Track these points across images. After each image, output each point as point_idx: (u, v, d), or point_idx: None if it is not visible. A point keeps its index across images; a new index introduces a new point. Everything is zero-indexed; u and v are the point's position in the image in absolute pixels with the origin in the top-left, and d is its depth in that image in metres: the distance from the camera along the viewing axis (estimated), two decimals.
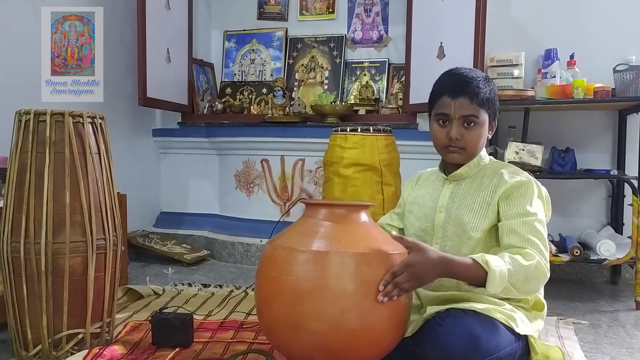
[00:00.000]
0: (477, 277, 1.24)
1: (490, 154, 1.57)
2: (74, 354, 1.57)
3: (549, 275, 1.32)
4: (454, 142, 1.43)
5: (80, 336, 1.59)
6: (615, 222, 2.72)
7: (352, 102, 3.29)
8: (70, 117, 1.58)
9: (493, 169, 1.48)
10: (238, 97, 3.59)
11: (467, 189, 1.47)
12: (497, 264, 1.23)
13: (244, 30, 3.65)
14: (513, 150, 2.41)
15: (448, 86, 1.44)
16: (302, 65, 3.51)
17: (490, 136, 1.50)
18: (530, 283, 1.29)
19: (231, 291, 2.40)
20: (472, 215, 1.43)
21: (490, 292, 1.25)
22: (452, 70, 1.50)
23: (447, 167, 1.54)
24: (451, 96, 1.42)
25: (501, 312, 1.33)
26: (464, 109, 1.41)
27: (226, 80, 3.67)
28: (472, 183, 1.48)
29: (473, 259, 1.25)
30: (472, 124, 1.42)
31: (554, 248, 2.43)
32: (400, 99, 3.13)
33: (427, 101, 1.52)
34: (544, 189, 1.47)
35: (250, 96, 3.57)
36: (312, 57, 3.49)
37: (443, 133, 1.45)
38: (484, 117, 1.43)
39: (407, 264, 1.22)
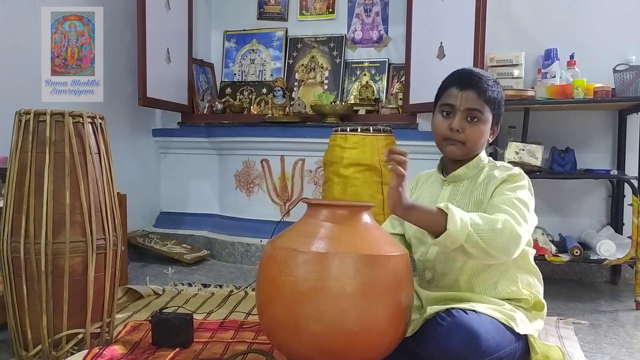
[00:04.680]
0: (439, 222, 1.24)
1: (490, 154, 1.57)
2: (74, 354, 1.57)
3: (521, 238, 1.27)
4: (455, 134, 1.44)
5: (80, 336, 1.59)
6: (615, 222, 2.71)
7: (352, 102, 3.29)
8: (70, 117, 1.57)
9: (489, 168, 1.48)
10: (238, 97, 3.59)
11: (464, 190, 1.48)
12: (459, 210, 1.25)
13: (244, 30, 3.65)
14: (513, 150, 2.41)
15: (458, 78, 1.47)
16: (302, 65, 3.51)
17: (491, 140, 1.51)
18: (498, 237, 1.24)
19: (231, 291, 2.39)
20: None
21: (454, 236, 1.22)
22: (464, 68, 1.52)
23: (446, 168, 1.54)
24: (460, 87, 1.44)
25: (501, 311, 1.33)
26: (470, 102, 1.43)
27: (226, 80, 3.67)
28: (469, 184, 1.48)
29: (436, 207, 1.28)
30: (476, 119, 1.43)
31: (553, 248, 2.42)
32: (400, 99, 3.13)
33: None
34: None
35: (250, 96, 3.57)
36: (312, 57, 3.49)
37: (445, 124, 1.46)
38: (488, 115, 1.44)
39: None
